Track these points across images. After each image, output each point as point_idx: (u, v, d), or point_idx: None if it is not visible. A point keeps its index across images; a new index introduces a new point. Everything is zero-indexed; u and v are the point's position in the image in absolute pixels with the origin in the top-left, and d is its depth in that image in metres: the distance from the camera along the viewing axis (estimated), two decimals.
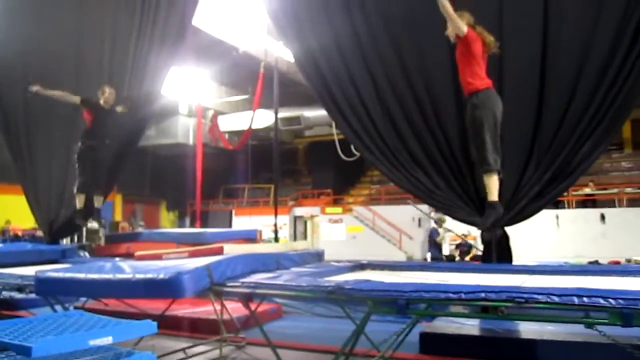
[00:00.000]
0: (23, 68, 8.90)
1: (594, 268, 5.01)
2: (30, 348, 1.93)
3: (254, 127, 16.78)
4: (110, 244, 9.96)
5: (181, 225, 24.97)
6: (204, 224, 19.19)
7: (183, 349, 5.34)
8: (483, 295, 2.95)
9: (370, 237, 21.36)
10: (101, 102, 7.21)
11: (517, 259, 6.12)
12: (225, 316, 5.80)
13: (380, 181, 24.05)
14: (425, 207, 19.08)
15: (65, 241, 9.69)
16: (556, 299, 2.80)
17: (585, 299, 2.74)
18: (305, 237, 23.52)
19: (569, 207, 18.18)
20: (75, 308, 5.42)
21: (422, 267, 5.35)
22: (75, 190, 7.61)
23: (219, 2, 15.18)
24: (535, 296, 2.84)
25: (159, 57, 8.05)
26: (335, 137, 17.08)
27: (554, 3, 5.61)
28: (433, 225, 12.12)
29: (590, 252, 15.52)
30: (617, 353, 4.04)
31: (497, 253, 5.86)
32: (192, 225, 22.64)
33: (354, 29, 6.67)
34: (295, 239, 23.02)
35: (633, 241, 15.56)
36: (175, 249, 6.48)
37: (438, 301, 3.05)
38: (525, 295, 2.86)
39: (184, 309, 6.73)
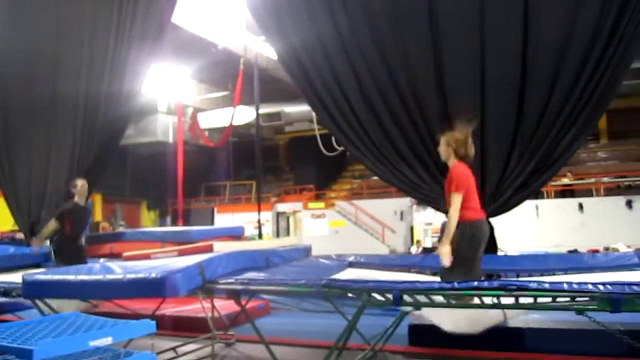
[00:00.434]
0: (0, 68, 8.73)
1: (577, 263, 5.08)
2: (31, 351, 1.91)
3: (234, 123, 16.70)
4: (93, 245, 9.84)
5: (162, 224, 24.75)
6: (185, 223, 19.05)
7: (173, 348, 5.31)
8: (475, 284, 3.00)
9: (353, 231, 21.46)
10: (76, 199, 6.75)
11: (499, 250, 6.21)
12: (214, 314, 5.79)
13: (362, 175, 24.16)
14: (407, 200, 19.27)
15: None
16: (547, 286, 2.86)
17: (574, 286, 2.80)
18: (288, 233, 23.53)
19: (548, 197, 18.47)
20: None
21: (411, 265, 5.35)
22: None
23: None
24: (527, 284, 2.89)
25: (139, 54, 7.98)
26: (317, 132, 17.09)
27: (534, 0, 5.68)
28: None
29: (569, 241, 15.82)
30: (599, 339, 4.17)
31: None
32: (174, 224, 22.48)
33: (336, 23, 6.68)
34: (278, 235, 23.02)
35: (611, 230, 15.91)
36: (163, 248, 6.44)
37: (431, 292, 3.09)
38: (517, 284, 2.92)
39: (170, 308, 6.68)
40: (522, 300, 3.04)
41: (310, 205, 23.07)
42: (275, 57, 7.75)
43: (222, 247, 4.62)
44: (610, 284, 2.72)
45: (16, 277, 5.54)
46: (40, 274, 4.03)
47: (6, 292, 4.50)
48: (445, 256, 3.89)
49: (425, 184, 6.41)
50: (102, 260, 6.80)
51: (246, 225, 13.88)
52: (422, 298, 3.24)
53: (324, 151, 17.58)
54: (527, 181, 5.91)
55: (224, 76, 20.61)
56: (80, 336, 2.15)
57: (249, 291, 3.82)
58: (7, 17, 8.86)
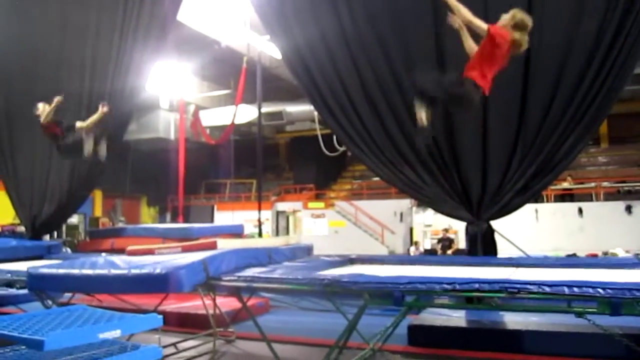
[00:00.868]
0: (5, 64, 8.76)
1: (576, 261, 5.14)
2: (42, 342, 1.95)
3: (236, 122, 16.73)
4: (94, 240, 9.91)
5: (162, 221, 24.72)
6: (185, 220, 19.08)
7: (174, 344, 5.35)
8: (477, 286, 3.03)
9: (353, 231, 21.45)
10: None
11: (499, 252, 6.26)
12: (214, 311, 5.82)
13: (362, 176, 24.15)
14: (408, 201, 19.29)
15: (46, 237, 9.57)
16: (547, 289, 2.89)
17: (575, 289, 2.84)
18: (287, 232, 23.53)
19: (547, 201, 18.47)
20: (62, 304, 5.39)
21: (411, 260, 5.42)
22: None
23: None
24: (528, 286, 2.93)
25: (143, 52, 8.00)
26: (318, 132, 17.09)
27: (538, 6, 5.70)
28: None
29: (568, 245, 15.81)
30: (598, 341, 4.21)
31: (483, 246, 5.99)
32: (174, 220, 22.46)
33: (341, 23, 6.70)
34: (277, 234, 23.01)
35: (609, 234, 15.91)
36: (165, 244, 6.47)
37: (433, 292, 3.12)
38: (518, 286, 2.95)
39: (170, 304, 6.72)
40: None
41: (310, 204, 23.06)
42: (278, 56, 7.79)
43: (225, 244, 4.65)
44: (610, 287, 2.76)
45: (19, 269, 5.60)
46: (45, 268, 4.06)
47: (10, 284, 4.54)
48: None
49: (426, 185, 6.44)
50: (103, 254, 6.84)
51: (246, 223, 13.90)
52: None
53: (325, 151, 17.58)
54: (527, 184, 5.95)
55: (227, 74, 20.61)
56: (89, 328, 2.18)
57: (251, 288, 3.86)
58: (12, 14, 8.90)
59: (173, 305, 6.60)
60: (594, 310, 2.82)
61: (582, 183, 19.23)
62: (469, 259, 5.67)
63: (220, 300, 6.00)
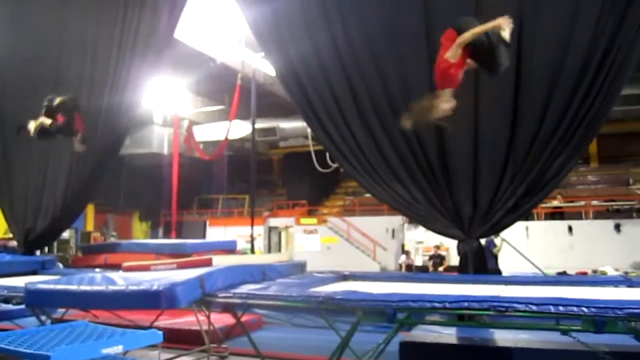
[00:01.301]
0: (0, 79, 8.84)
1: (565, 279, 5.24)
2: (48, 357, 2.01)
3: (229, 137, 16.85)
4: (88, 255, 9.91)
5: (154, 236, 24.68)
6: (177, 235, 19.09)
7: None
8: (466, 304, 3.12)
9: (345, 248, 21.50)
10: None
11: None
12: (207, 327, 5.86)
13: (354, 192, 24.26)
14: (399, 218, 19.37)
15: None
16: (534, 307, 2.99)
17: (560, 308, 2.93)
18: (279, 248, 23.54)
19: (538, 219, 18.64)
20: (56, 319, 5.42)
21: (404, 278, 5.50)
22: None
23: (196, 14, 15.26)
24: (515, 305, 3.02)
25: (141, 68, 8.09)
26: (312, 148, 17.21)
27: (529, 26, 5.86)
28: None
29: (558, 263, 15.92)
30: (584, 359, 4.29)
31: (474, 264, 6.07)
32: (166, 235, 22.43)
33: (335, 42, 6.80)
34: (269, 249, 23.01)
35: (599, 252, 16.07)
36: (158, 260, 6.51)
37: (424, 310, 3.21)
38: (506, 304, 3.04)
39: (164, 320, 6.74)
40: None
41: (303, 220, 23.12)
42: (272, 73, 7.89)
43: (220, 261, 4.72)
44: (595, 306, 2.86)
45: (16, 285, 5.62)
46: (42, 284, 4.11)
47: (6, 300, 4.57)
48: None
49: (418, 203, 6.53)
50: (97, 270, 6.87)
51: (238, 239, 13.95)
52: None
53: (318, 167, 17.69)
54: (518, 203, 6.05)
55: (221, 90, 20.75)
56: (92, 344, 2.25)
57: (247, 305, 3.92)
58: (10, 27, 8.99)
59: (167, 321, 6.63)
60: (579, 328, 2.92)
61: (572, 201, 19.44)
62: (460, 277, 5.75)
63: (213, 316, 6.04)
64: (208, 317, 5.38)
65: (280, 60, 7.29)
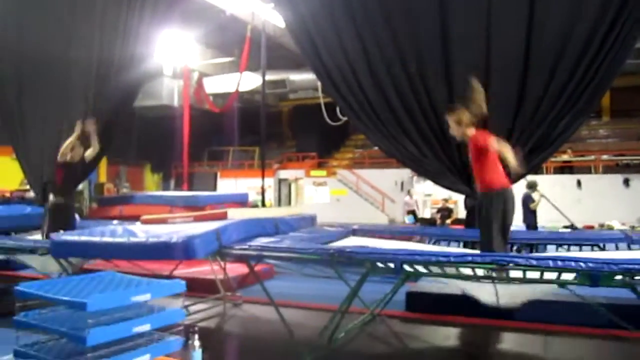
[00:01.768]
0: (15, 33, 8.88)
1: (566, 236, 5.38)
2: (85, 303, 2.21)
3: (239, 90, 16.84)
4: (103, 207, 10.16)
5: (166, 187, 25.04)
6: (189, 187, 19.38)
7: (185, 307, 5.65)
8: (470, 258, 3.29)
9: (354, 200, 21.77)
10: (68, 158, 6.55)
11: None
12: (222, 276, 6.13)
13: (364, 145, 24.33)
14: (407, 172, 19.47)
15: None
16: (534, 262, 3.15)
17: (559, 262, 3.09)
18: (289, 200, 23.85)
19: (547, 173, 18.69)
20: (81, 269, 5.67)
21: (412, 233, 5.67)
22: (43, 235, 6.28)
23: None
24: (516, 260, 3.19)
25: (151, 22, 8.10)
26: (322, 101, 17.19)
27: None
28: (526, 190, 11.26)
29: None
30: (581, 311, 4.50)
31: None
32: (177, 187, 22.76)
33: None
34: (279, 201, 23.34)
35: (607, 207, 16.19)
36: (172, 212, 6.71)
37: (430, 264, 3.39)
38: (507, 259, 3.21)
39: (179, 270, 7.00)
40: (512, 274, 3.35)
41: (312, 173, 23.33)
42: (282, 25, 7.85)
43: (235, 214, 4.90)
44: (591, 261, 3.01)
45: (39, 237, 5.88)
46: (67, 235, 4.33)
47: (32, 251, 4.82)
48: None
49: (426, 159, 6.64)
50: (115, 222, 7.11)
51: (248, 191, 14.20)
52: (420, 268, 3.54)
53: (328, 120, 17.71)
54: (526, 159, 6.12)
55: (231, 42, 20.58)
56: (122, 292, 2.45)
57: (261, 257, 4.12)
58: None
59: (182, 270, 6.90)
60: (576, 282, 3.09)
61: (582, 156, 19.40)
62: (466, 233, 5.91)
63: (227, 266, 6.30)
64: (224, 267, 5.63)
65: (290, 13, 7.26)
